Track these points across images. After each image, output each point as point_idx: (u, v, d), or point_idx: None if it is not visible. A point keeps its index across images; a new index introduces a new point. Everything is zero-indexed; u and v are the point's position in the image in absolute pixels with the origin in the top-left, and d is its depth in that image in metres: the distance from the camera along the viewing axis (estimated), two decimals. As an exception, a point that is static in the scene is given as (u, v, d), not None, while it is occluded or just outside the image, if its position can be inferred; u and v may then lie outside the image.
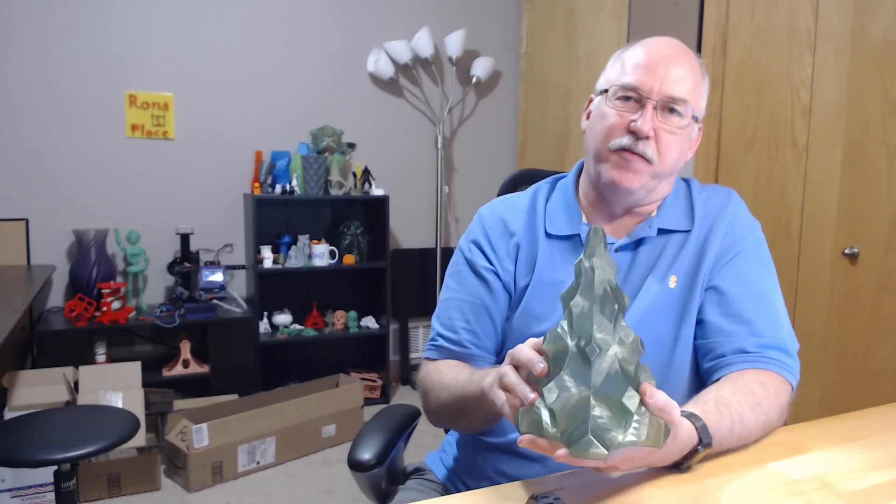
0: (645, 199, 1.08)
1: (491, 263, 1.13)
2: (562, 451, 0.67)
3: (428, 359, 1.15)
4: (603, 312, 0.71)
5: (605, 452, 0.66)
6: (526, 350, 0.76)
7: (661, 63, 1.02)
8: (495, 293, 1.12)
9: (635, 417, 0.68)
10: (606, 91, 1.06)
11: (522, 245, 1.12)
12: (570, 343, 0.70)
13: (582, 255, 0.73)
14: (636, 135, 1.01)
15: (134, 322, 3.01)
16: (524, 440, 0.71)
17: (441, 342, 1.13)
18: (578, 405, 0.68)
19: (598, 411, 0.67)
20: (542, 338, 0.77)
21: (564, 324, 0.72)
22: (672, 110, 1.03)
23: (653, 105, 1.01)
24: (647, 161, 1.02)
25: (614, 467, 0.70)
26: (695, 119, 1.06)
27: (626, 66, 1.05)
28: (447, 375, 1.06)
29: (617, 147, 1.03)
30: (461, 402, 1.00)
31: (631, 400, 0.68)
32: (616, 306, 0.71)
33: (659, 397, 0.70)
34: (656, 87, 1.01)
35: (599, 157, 1.06)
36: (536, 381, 0.74)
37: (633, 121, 1.01)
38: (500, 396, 0.79)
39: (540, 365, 0.73)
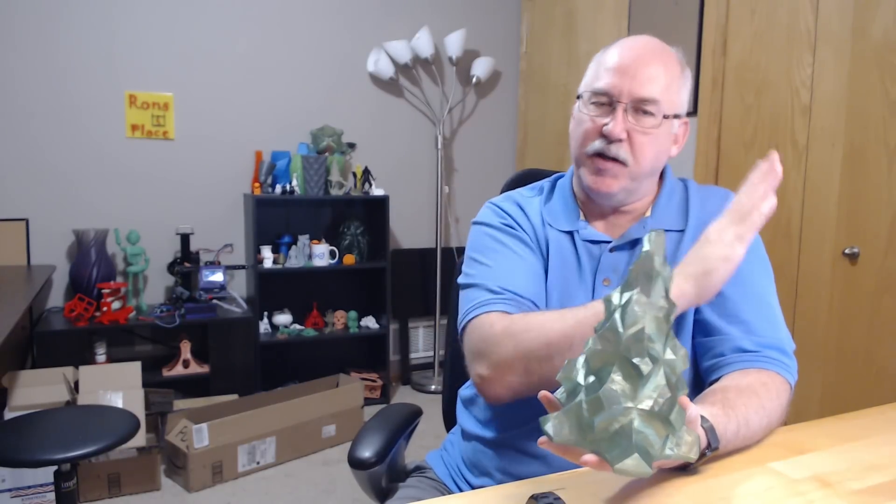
0: (628, 200, 1.09)
1: (524, 231, 1.11)
2: (589, 457, 0.66)
3: (502, 311, 1.00)
4: (658, 323, 0.66)
5: (649, 470, 0.64)
6: None
7: (632, 65, 1.02)
8: (536, 256, 1.09)
9: (675, 431, 0.66)
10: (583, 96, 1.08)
11: (539, 235, 1.11)
12: (621, 353, 0.66)
13: (640, 260, 0.67)
14: (608, 138, 1.02)
15: (134, 322, 3.01)
16: (543, 442, 0.69)
17: (510, 295, 1.02)
18: (623, 418, 0.64)
19: (641, 425, 0.64)
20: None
21: (613, 331, 0.66)
22: (644, 111, 1.03)
23: (623, 108, 1.02)
24: (622, 163, 1.03)
25: None
26: (675, 116, 1.06)
27: (599, 69, 1.06)
28: (545, 317, 0.95)
29: (592, 152, 1.04)
30: (568, 339, 0.90)
31: (676, 415, 0.66)
32: (671, 318, 0.67)
33: (692, 410, 0.70)
34: (626, 88, 1.02)
35: (579, 161, 1.08)
36: (573, 391, 0.68)
37: (606, 125, 1.02)
38: None
39: None
